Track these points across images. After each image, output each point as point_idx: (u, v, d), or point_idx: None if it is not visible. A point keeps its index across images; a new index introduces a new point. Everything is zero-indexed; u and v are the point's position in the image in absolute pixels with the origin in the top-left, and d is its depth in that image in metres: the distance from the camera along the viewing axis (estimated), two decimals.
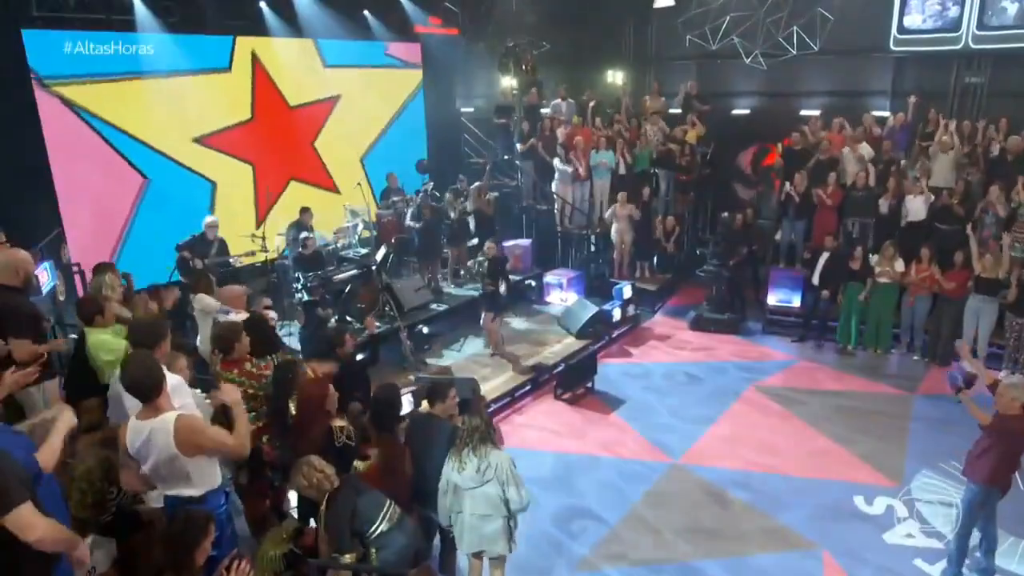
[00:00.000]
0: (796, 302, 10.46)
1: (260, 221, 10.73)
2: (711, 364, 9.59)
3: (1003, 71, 11.66)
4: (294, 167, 11.41)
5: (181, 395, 3.83)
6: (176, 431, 3.24)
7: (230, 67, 10.58)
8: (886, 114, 12.76)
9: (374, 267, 9.32)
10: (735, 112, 14.81)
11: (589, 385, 8.75)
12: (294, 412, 4.63)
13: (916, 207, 9.75)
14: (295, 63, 11.39)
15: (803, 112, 14.09)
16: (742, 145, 14.63)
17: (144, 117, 9.77)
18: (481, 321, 9.48)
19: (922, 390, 8.62)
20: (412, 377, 8.51)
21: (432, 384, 4.81)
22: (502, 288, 8.85)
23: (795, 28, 13.28)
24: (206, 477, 3.47)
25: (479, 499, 4.39)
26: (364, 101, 12.20)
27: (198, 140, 10.31)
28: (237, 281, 9.28)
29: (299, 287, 8.35)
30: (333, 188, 11.71)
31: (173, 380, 3.73)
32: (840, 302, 9.73)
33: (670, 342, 10.47)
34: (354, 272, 9.08)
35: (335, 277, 8.81)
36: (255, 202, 10.97)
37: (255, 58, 10.80)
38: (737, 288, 10.99)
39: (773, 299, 10.59)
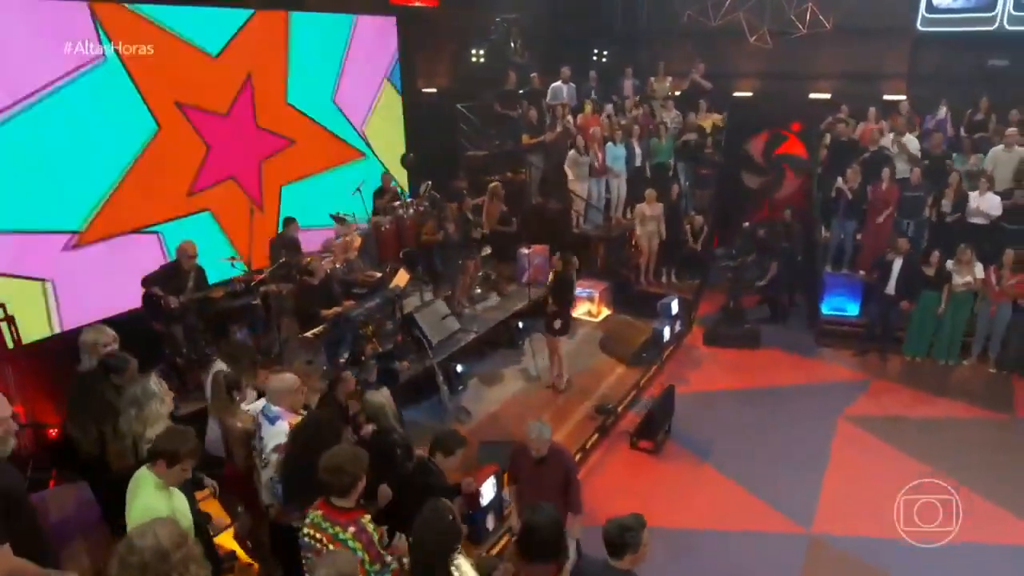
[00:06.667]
0: (852, 311, 9.55)
1: (188, 193, 9.18)
2: (780, 389, 8.55)
3: None
4: (237, 170, 9.98)
5: None
6: None
7: (218, 55, 9.16)
8: (902, 97, 12.09)
9: (397, 296, 7.61)
10: (737, 95, 13.78)
11: (667, 428, 7.48)
12: None
13: (986, 206, 8.95)
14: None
15: (812, 95, 13.28)
16: (745, 130, 13.67)
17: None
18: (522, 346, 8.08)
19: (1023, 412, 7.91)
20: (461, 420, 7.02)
21: (622, 535, 3.30)
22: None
23: (809, 4, 12.34)
24: None
25: None
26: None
27: (179, 104, 8.83)
28: (225, 323, 7.46)
29: (342, 354, 6.44)
30: (259, 205, 10.28)
31: None
32: (908, 310, 8.88)
33: (721, 362, 9.35)
34: (376, 302, 7.31)
35: (353, 314, 7.03)
36: (194, 179, 9.26)
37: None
38: (773, 298, 10.16)
39: (827, 308, 9.65)
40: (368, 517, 3.33)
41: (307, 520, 3.39)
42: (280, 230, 8.73)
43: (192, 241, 7.21)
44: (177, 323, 6.94)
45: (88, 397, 3.67)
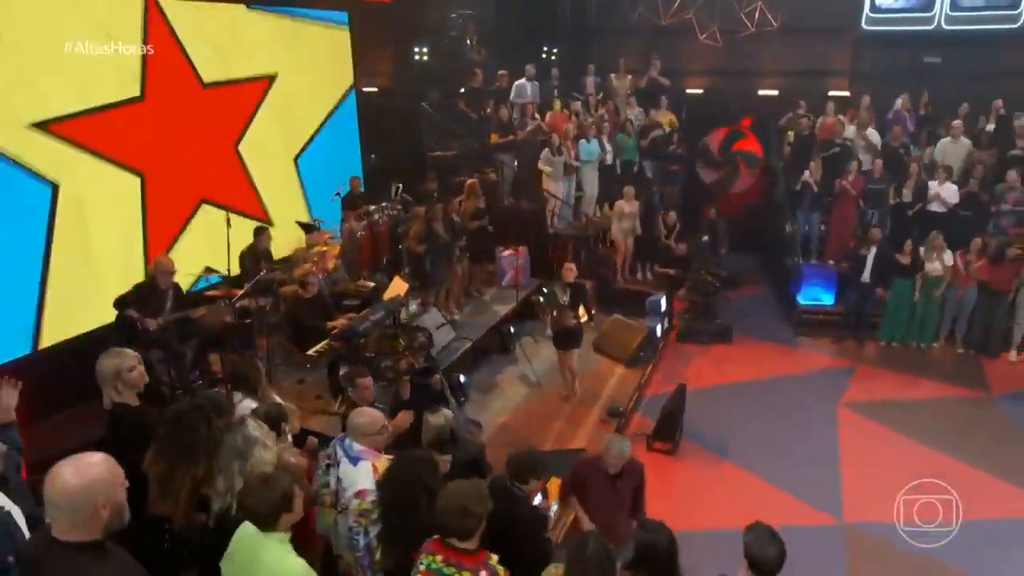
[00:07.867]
0: (828, 300, 9.85)
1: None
2: (773, 381, 8.67)
3: (962, 52, 11.79)
4: (207, 181, 7.44)
5: None
6: None
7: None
8: (846, 93, 12.63)
9: (400, 308, 7.15)
10: (688, 91, 13.97)
11: (680, 428, 7.39)
12: None
13: (945, 194, 9.42)
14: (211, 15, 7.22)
15: (761, 92, 13.65)
16: (697, 127, 13.89)
17: None
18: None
19: (998, 390, 8.34)
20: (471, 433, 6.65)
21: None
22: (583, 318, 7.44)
23: (758, 3, 12.64)
24: None
25: None
26: (305, 77, 8.41)
27: (41, 125, 5.82)
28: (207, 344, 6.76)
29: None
30: (265, 217, 8.00)
31: None
32: (884, 297, 9.23)
33: (708, 356, 9.38)
34: (380, 314, 6.82)
35: (360, 328, 6.54)
36: (144, 237, 6.70)
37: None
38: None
39: (804, 298, 9.90)
40: (496, 558, 2.99)
41: (422, 567, 3.00)
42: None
43: (169, 256, 6.53)
44: (156, 347, 6.25)
45: (192, 438, 3.02)
